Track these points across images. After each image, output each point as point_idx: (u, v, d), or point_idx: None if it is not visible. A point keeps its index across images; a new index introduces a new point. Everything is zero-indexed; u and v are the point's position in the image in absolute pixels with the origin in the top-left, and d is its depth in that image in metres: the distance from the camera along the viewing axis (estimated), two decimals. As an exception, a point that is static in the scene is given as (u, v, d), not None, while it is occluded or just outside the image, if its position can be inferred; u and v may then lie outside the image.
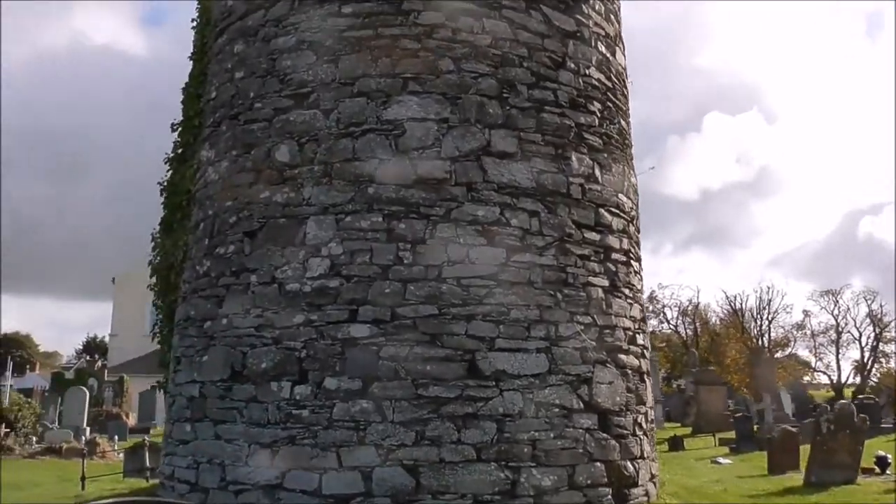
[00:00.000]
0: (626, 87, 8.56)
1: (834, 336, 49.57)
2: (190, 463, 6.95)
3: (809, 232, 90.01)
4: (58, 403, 32.26)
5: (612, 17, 8.36)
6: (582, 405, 6.75)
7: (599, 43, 7.96)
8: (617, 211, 7.67)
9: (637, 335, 7.65)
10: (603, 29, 8.10)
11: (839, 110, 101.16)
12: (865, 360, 48.78)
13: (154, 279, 8.90)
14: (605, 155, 7.68)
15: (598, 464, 6.73)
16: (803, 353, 52.05)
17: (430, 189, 6.68)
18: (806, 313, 50.68)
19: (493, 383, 6.41)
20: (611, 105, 7.95)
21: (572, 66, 7.55)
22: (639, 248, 8.24)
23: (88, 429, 26.57)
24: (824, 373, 50.77)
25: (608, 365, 7.07)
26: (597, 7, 8.02)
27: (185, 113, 8.65)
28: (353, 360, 6.39)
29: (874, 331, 48.37)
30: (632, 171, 8.29)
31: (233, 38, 7.79)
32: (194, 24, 9.10)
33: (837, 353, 50.09)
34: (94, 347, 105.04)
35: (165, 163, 9.24)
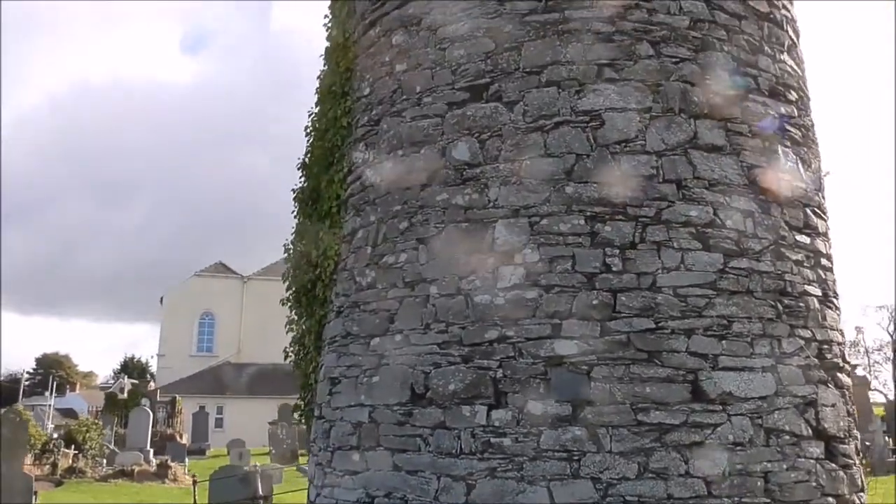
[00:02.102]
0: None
1: (890, 354, 47.81)
2: (361, 496, 6.22)
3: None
4: (113, 424, 31.90)
5: (793, -1, 7.61)
6: (810, 431, 5.92)
7: (788, 26, 7.20)
8: (819, 212, 6.87)
9: (845, 351, 6.82)
10: (789, 11, 7.34)
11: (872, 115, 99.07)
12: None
13: (289, 293, 8.23)
14: (805, 149, 6.89)
15: (830, 499, 5.89)
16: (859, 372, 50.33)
17: (636, 187, 5.94)
18: (858, 329, 49.01)
19: (720, 407, 5.61)
20: (802, 94, 7.17)
21: (768, 50, 6.79)
22: (830, 254, 7.41)
23: (152, 450, 26.13)
24: (880, 391, 49.00)
25: (829, 385, 6.24)
26: (784, -13, 7.27)
27: (323, 114, 7.99)
28: (560, 380, 5.63)
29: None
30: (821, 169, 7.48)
31: (390, 29, 7.14)
32: (327, 19, 8.49)
33: (894, 369, 48.32)
34: (132, 367, 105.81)
35: (298, 169, 8.60)
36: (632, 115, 6.06)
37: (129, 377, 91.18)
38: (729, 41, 6.48)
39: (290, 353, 8.45)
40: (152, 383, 40.11)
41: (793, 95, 6.88)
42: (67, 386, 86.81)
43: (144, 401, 37.32)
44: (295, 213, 8.58)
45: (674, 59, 6.23)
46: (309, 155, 8.37)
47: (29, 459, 20.80)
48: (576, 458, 5.46)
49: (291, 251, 8.38)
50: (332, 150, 7.71)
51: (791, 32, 7.23)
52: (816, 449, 5.92)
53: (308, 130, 8.53)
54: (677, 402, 5.55)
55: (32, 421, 24.35)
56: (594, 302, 5.71)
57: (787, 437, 5.76)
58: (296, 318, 8.39)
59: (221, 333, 48.62)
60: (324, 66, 8.72)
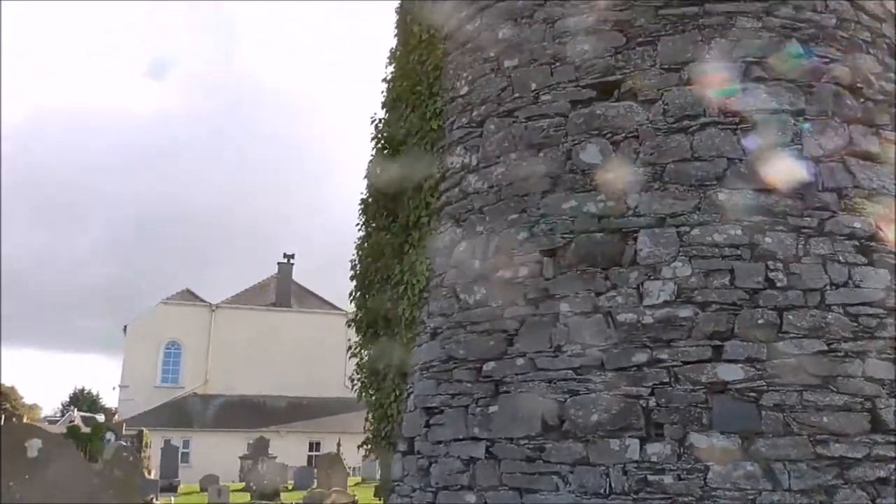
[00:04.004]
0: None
1: None
2: (479, 543, 5.44)
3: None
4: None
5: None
6: None
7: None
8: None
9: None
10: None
11: None
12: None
13: (359, 314, 7.44)
14: (943, 162, 6.45)
15: None
16: None
17: (794, 195, 5.38)
18: None
19: (901, 439, 5.02)
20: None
21: (904, 56, 6.37)
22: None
23: (125, 487, 24.51)
24: None
25: None
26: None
27: (399, 118, 7.30)
28: (725, 409, 4.97)
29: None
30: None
31: (493, 23, 6.53)
32: (397, 15, 7.85)
33: None
34: (81, 399, 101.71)
35: (365, 178, 7.87)
36: (785, 118, 5.53)
37: (78, 409, 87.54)
38: (873, 44, 6.03)
39: (356, 381, 7.64)
40: (116, 416, 38.12)
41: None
42: (14, 419, 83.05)
43: (109, 434, 35.49)
44: (360, 226, 7.84)
45: (824, 60, 5.74)
46: (379, 155, 7.67)
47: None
48: (750, 496, 4.79)
49: (358, 267, 7.62)
50: (415, 156, 7.00)
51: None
52: None
53: (376, 137, 7.85)
54: (857, 432, 4.94)
55: None
56: (759, 321, 5.09)
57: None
58: (362, 341, 7.60)
59: (187, 364, 46.71)
60: (390, 68, 8.08)
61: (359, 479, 31.70)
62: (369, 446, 7.15)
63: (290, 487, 29.73)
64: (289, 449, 37.31)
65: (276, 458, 31.40)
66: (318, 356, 47.98)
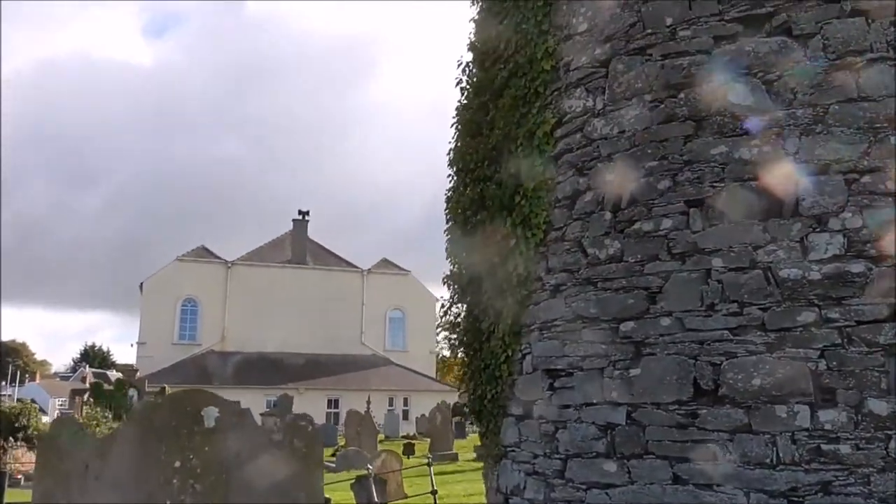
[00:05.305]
0: None
1: None
2: (620, 515, 5.09)
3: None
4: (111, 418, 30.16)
5: None
6: None
7: None
8: None
9: None
10: None
11: None
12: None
13: (455, 267, 7.01)
14: None
15: None
16: None
17: (976, 138, 4.88)
18: None
19: None
20: None
21: None
22: None
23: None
24: None
25: None
26: None
27: (496, 60, 6.75)
28: (906, 373, 4.56)
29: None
30: None
31: (618, -48, 5.95)
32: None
33: None
34: (92, 356, 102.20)
35: (452, 126, 7.36)
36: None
37: (89, 366, 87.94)
38: None
39: (448, 340, 7.25)
40: (138, 372, 38.12)
41: None
42: (27, 375, 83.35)
43: (132, 391, 35.51)
44: (450, 177, 7.36)
45: None
46: (465, 109, 7.17)
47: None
48: (939, 467, 4.40)
49: (454, 222, 7.16)
50: (519, 100, 6.48)
51: None
52: None
53: (467, 81, 7.32)
54: None
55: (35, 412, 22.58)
56: (942, 277, 4.65)
57: None
58: (458, 298, 7.18)
59: (205, 321, 46.65)
60: (479, 5, 7.51)
61: (382, 436, 31.73)
62: (474, 407, 6.75)
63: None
64: (307, 406, 37.39)
65: (305, 414, 31.34)
66: (334, 313, 47.96)
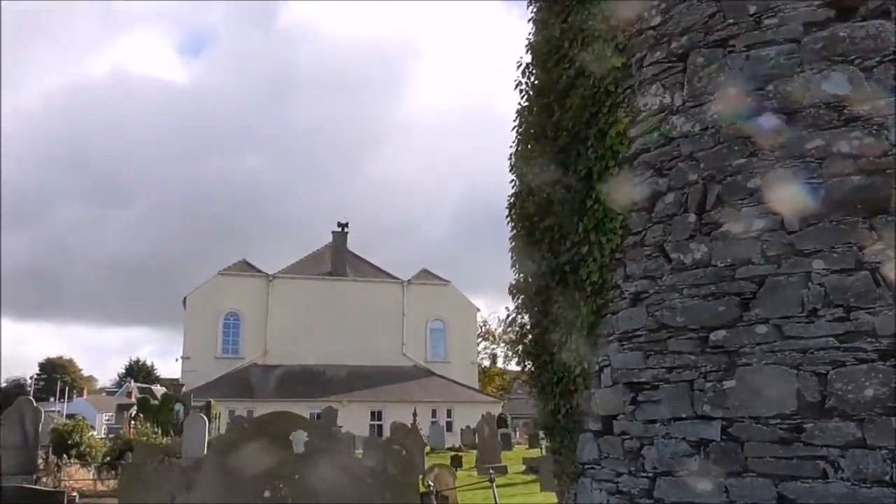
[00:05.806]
0: None
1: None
2: (720, 537, 4.74)
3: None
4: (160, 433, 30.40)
5: None
6: None
7: None
8: None
9: None
10: None
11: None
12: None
13: (522, 280, 6.73)
14: None
15: None
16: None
17: None
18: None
19: None
20: None
21: None
22: None
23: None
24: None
25: None
26: None
27: (560, 60, 6.48)
28: None
29: None
30: None
31: (694, -61, 5.64)
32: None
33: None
34: (136, 371, 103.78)
35: (512, 129, 7.10)
36: None
37: (134, 381, 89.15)
38: None
39: (516, 352, 6.96)
40: (184, 387, 38.37)
41: None
42: (74, 391, 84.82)
43: (178, 405, 35.74)
44: (512, 182, 7.10)
45: None
46: (531, 109, 6.90)
47: (90, 473, 19.22)
48: None
49: (518, 228, 6.89)
50: (588, 100, 6.19)
51: None
52: None
53: (524, 87, 7.07)
54: None
55: (87, 429, 22.76)
56: None
57: None
58: (525, 308, 6.90)
59: (247, 334, 46.92)
60: (535, 5, 7.26)
61: (428, 448, 31.46)
62: (546, 423, 6.45)
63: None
64: (351, 419, 37.25)
65: (341, 427, 31.26)
66: (375, 324, 47.85)
